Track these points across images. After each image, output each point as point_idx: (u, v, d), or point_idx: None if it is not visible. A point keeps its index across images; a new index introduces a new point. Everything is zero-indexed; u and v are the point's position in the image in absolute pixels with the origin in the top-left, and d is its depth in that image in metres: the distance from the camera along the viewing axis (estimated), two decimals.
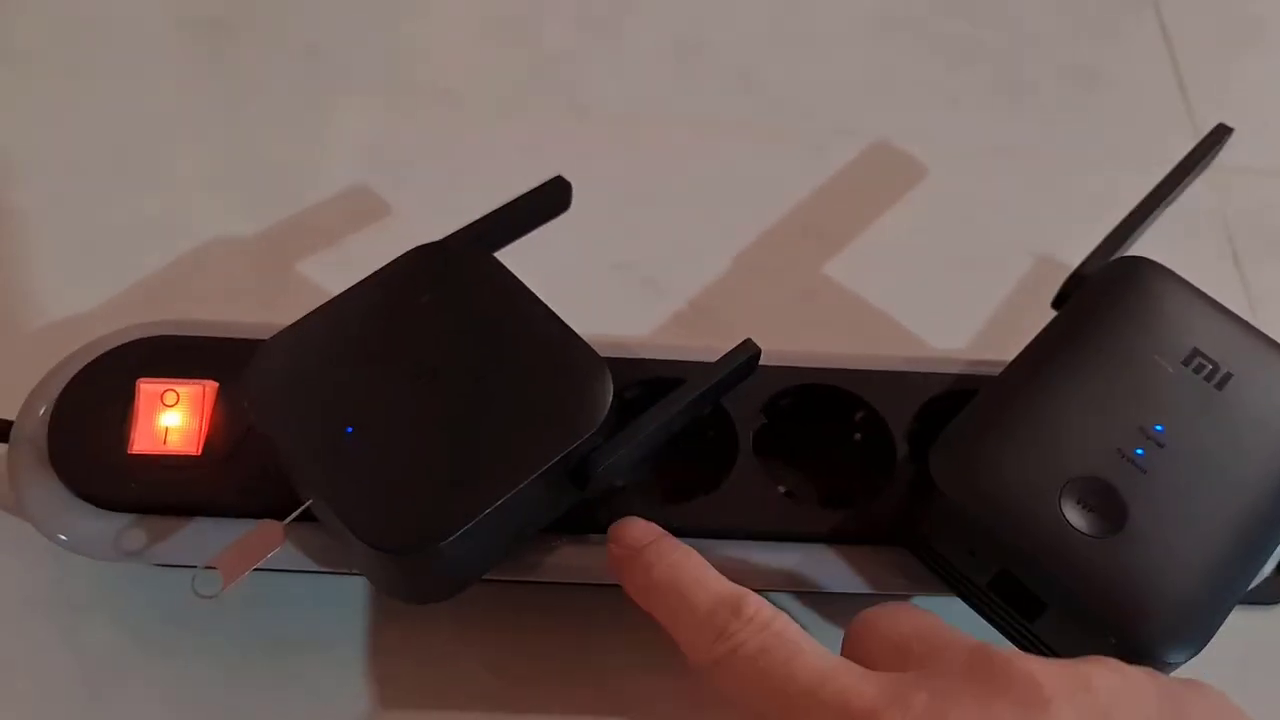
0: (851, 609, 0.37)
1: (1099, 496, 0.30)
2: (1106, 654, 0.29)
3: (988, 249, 0.48)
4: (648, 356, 0.38)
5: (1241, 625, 0.38)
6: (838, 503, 0.36)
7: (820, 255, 0.47)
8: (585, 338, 0.37)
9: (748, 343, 0.34)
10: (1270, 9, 0.58)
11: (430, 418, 0.30)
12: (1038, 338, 0.34)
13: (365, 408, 0.31)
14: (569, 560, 0.34)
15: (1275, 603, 0.39)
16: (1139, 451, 0.31)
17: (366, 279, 0.33)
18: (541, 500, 0.31)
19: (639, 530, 0.32)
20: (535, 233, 0.42)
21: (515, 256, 0.38)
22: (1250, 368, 0.33)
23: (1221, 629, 0.38)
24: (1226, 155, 0.51)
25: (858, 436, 0.38)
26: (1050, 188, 0.49)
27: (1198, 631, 0.29)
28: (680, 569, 0.30)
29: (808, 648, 0.27)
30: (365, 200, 0.46)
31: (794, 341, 0.39)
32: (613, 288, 0.45)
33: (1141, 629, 0.29)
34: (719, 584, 0.29)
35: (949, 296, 0.46)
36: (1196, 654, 0.29)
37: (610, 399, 0.31)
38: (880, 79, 0.53)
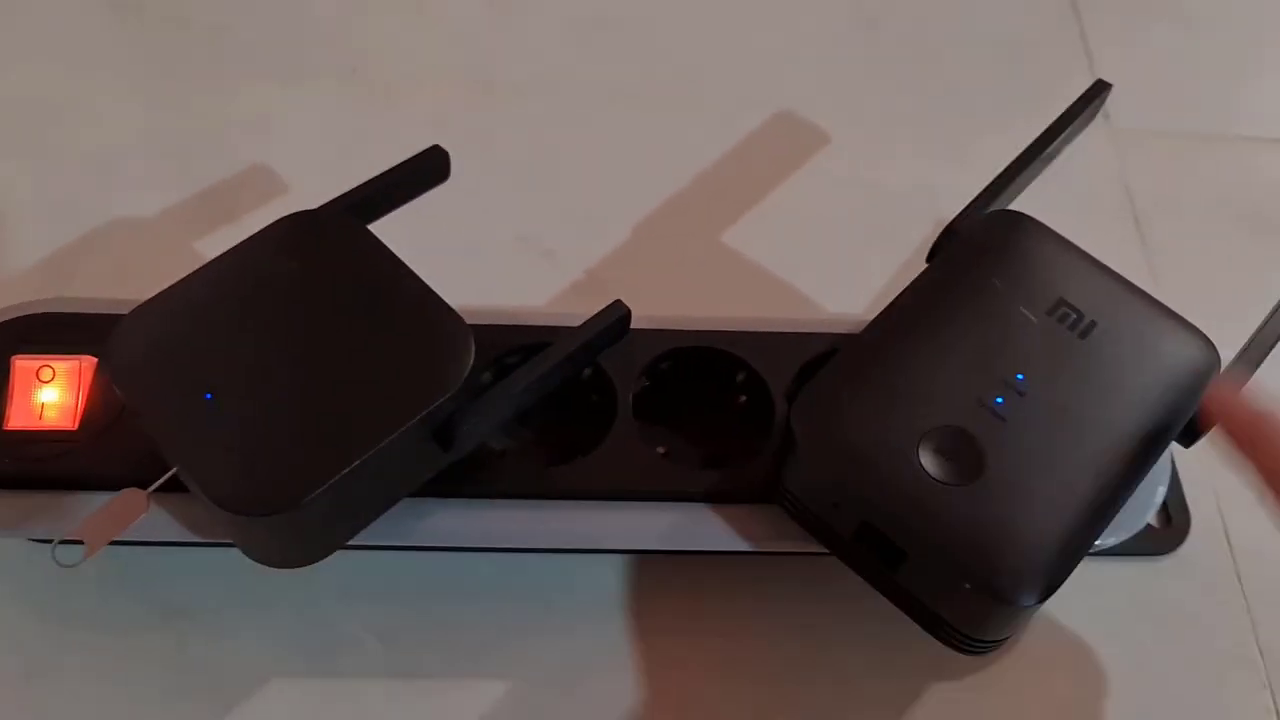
0: (730, 566, 0.38)
1: (957, 446, 0.31)
2: (962, 599, 0.30)
3: (888, 214, 0.48)
4: (534, 324, 0.38)
5: (1129, 576, 0.39)
6: (719, 463, 0.36)
7: (720, 224, 0.47)
8: (480, 308, 0.37)
9: (616, 304, 0.34)
10: None
11: (291, 382, 0.31)
12: (905, 291, 0.34)
13: (226, 374, 0.31)
14: (448, 524, 0.34)
15: (1161, 554, 0.39)
16: (999, 400, 0.31)
17: (233, 248, 0.33)
18: (406, 461, 0.31)
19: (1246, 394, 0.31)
20: (439, 205, 0.42)
21: (418, 228, 0.38)
22: (1115, 316, 0.33)
23: (1110, 579, 0.39)
24: (1129, 118, 0.52)
25: (742, 399, 0.38)
26: (952, 153, 0.50)
27: (1049, 576, 0.29)
28: None
29: None
30: (265, 178, 0.47)
31: (691, 309, 0.40)
32: (514, 259, 0.45)
33: (993, 574, 0.29)
34: None
35: (849, 262, 0.46)
36: (1048, 597, 0.29)
37: (471, 360, 0.31)
38: (785, 50, 0.53)
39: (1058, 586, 0.29)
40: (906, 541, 0.30)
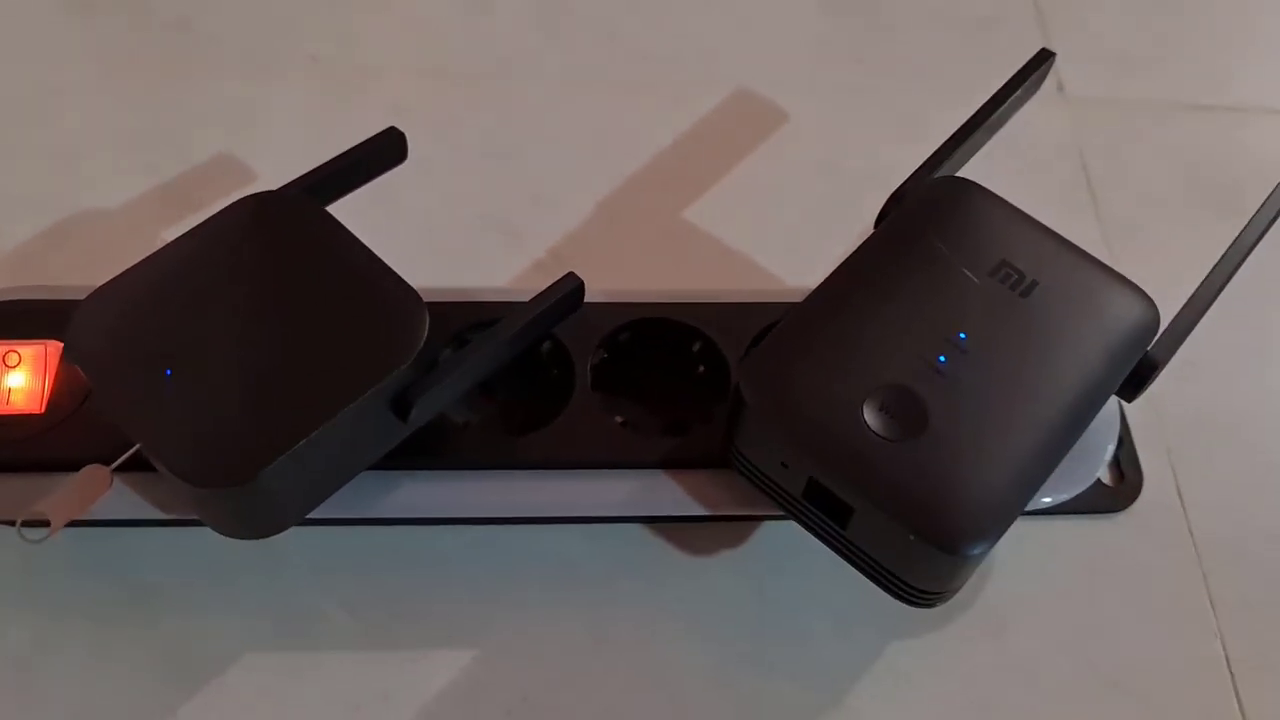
0: (692, 532, 0.39)
1: (901, 403, 0.31)
2: (908, 551, 0.31)
3: (846, 188, 0.48)
4: (494, 300, 0.39)
5: (1084, 533, 0.40)
6: (679, 431, 0.37)
7: (682, 202, 0.47)
8: (442, 287, 0.38)
9: (569, 276, 0.35)
10: None
11: (249, 358, 0.31)
12: (852, 255, 0.35)
13: (185, 351, 0.31)
14: (410, 497, 0.35)
15: (1115, 511, 0.40)
16: (942, 359, 0.32)
17: (192, 229, 0.34)
18: (364, 432, 0.32)
19: None
20: (404, 189, 0.43)
21: (384, 211, 0.39)
22: (1056, 275, 0.34)
23: (1065, 537, 0.40)
24: (1083, 88, 0.53)
25: (701, 369, 0.39)
26: (909, 128, 0.50)
27: (991, 525, 0.30)
28: None
29: None
30: (232, 168, 0.47)
31: (653, 284, 0.41)
32: (478, 240, 0.46)
33: (936, 525, 0.30)
34: None
35: (807, 235, 0.47)
36: (993, 545, 0.30)
37: (425, 333, 0.32)
38: (742, 30, 0.54)
39: (1000, 535, 0.30)
40: (853, 497, 0.31)
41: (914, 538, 0.30)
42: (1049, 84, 0.53)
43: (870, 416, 0.31)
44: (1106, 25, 0.56)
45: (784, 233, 0.47)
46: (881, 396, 0.31)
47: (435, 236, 0.46)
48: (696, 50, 0.53)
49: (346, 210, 0.37)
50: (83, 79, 0.50)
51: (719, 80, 0.51)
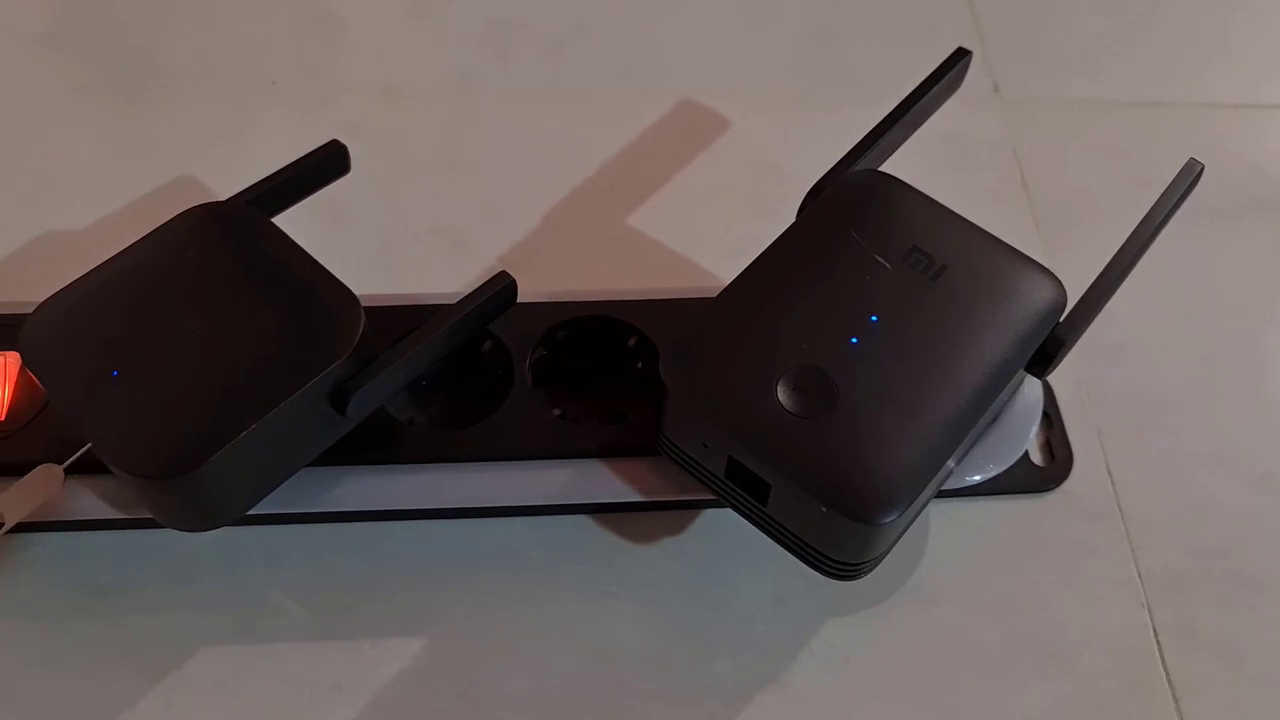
0: (633, 521, 0.40)
1: (813, 382, 0.33)
2: (823, 523, 0.32)
3: (787, 192, 0.50)
4: (438, 304, 0.40)
5: (1017, 512, 0.41)
6: (617, 424, 0.39)
7: (625, 208, 0.49)
8: (391, 294, 0.40)
9: (501, 274, 0.36)
10: None
11: (193, 358, 0.33)
12: (770, 246, 0.37)
13: (132, 352, 0.33)
14: (353, 491, 0.37)
15: (1047, 490, 0.42)
16: (853, 340, 0.34)
17: (141, 238, 0.36)
18: (305, 426, 0.34)
19: None
20: (356, 204, 0.45)
21: (340, 225, 0.42)
22: (964, 259, 0.36)
23: (999, 517, 0.41)
24: (1018, 90, 0.54)
25: (639, 364, 0.40)
26: (848, 133, 0.52)
27: (899, 494, 0.31)
28: None
29: None
30: (192, 189, 0.49)
31: (598, 287, 0.42)
32: (428, 251, 0.48)
33: (846, 496, 0.31)
34: None
35: (749, 238, 0.48)
36: (901, 513, 0.31)
37: (360, 329, 0.33)
38: (681, 41, 0.56)
39: (908, 504, 0.31)
40: (767, 472, 0.32)
41: (825, 509, 0.31)
42: (985, 85, 0.55)
43: (784, 396, 0.33)
44: (1041, 28, 0.58)
45: (726, 234, 0.48)
46: (795, 377, 0.33)
47: (388, 249, 0.48)
48: (641, 63, 0.55)
49: (304, 225, 0.39)
50: (52, 108, 0.52)
51: (663, 91, 0.53)
